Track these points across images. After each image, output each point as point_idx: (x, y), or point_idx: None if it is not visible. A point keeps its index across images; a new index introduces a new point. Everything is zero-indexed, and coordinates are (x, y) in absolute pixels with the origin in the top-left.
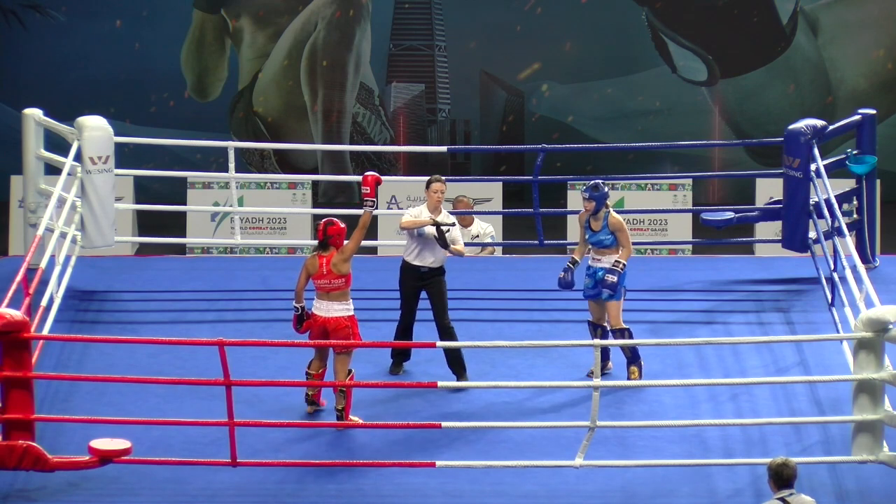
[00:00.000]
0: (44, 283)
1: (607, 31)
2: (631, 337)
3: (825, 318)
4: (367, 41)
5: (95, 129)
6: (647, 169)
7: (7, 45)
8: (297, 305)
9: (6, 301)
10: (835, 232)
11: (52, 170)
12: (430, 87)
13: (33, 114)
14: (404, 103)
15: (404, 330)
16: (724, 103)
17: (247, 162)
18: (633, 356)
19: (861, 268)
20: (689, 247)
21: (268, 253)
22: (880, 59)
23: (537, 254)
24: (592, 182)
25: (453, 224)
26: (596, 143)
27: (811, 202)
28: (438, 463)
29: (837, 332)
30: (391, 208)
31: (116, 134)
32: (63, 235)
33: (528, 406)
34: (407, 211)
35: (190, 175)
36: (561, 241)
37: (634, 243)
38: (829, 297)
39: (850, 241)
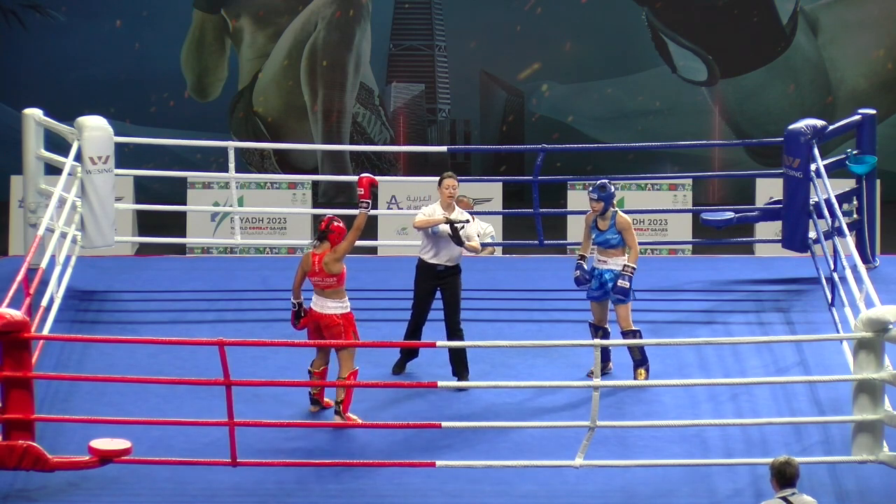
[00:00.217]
0: (44, 283)
1: (607, 31)
2: (641, 339)
3: (825, 318)
4: (367, 41)
5: (95, 129)
6: (647, 169)
7: (7, 45)
8: (294, 302)
9: (6, 301)
10: (835, 232)
11: (52, 170)
12: (430, 87)
13: (33, 114)
14: (404, 103)
15: (414, 330)
16: (724, 103)
17: (247, 162)
18: (641, 359)
19: (861, 268)
20: (689, 247)
21: (268, 253)
22: (880, 59)
23: (537, 254)
24: (599, 182)
25: (467, 221)
26: (596, 143)
27: (811, 202)
28: (438, 463)
29: (837, 332)
30: (391, 208)
31: (116, 134)
32: (63, 235)
33: (528, 406)
34: (421, 210)
35: (190, 175)
36: (561, 241)
37: None
38: (829, 297)
39: (850, 241)
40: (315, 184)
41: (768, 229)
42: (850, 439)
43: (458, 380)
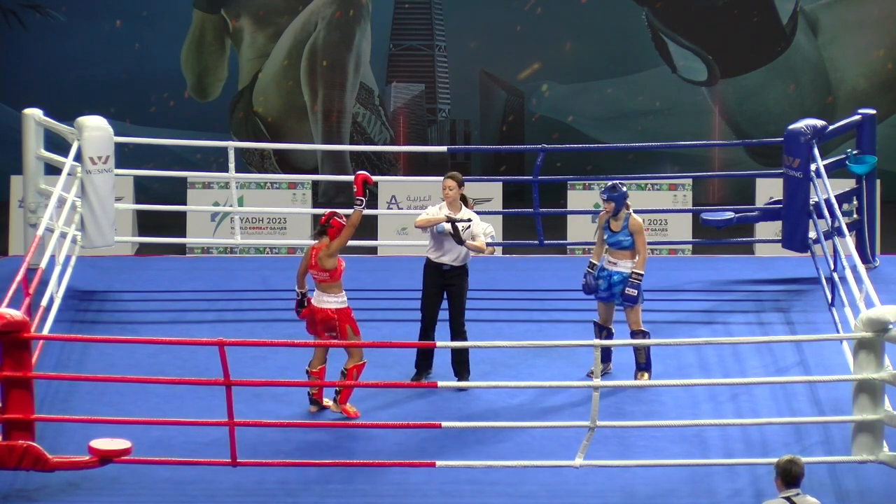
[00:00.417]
0: (44, 283)
1: (607, 31)
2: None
3: (825, 318)
4: (367, 41)
5: (95, 129)
6: (647, 169)
7: (7, 45)
8: (297, 291)
9: (6, 301)
10: (835, 232)
11: (52, 170)
12: (430, 87)
13: (33, 114)
14: (404, 103)
15: (423, 336)
16: (724, 103)
17: (247, 162)
18: (646, 363)
19: (861, 268)
20: (689, 247)
21: (268, 253)
22: (880, 59)
23: (537, 254)
24: (610, 183)
25: (469, 220)
26: (596, 143)
27: (811, 202)
28: (438, 463)
29: (837, 332)
30: (391, 208)
31: (116, 134)
32: (63, 235)
33: (528, 406)
34: (426, 210)
35: (190, 175)
36: (561, 241)
37: None
38: (829, 297)
39: (850, 241)
40: (315, 184)
41: (768, 229)
42: (850, 439)
43: (459, 380)
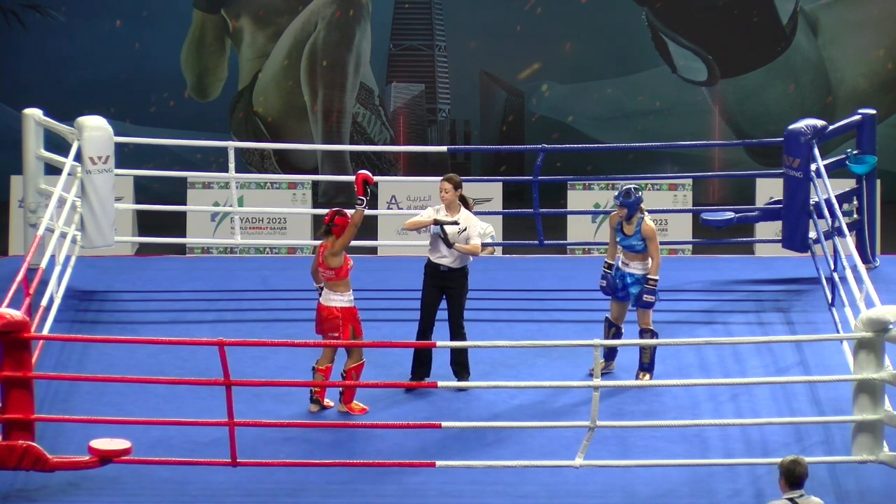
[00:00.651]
0: (44, 283)
1: (607, 31)
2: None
3: (825, 318)
4: (367, 41)
5: (95, 129)
6: (647, 169)
7: (7, 45)
8: (316, 286)
9: (6, 301)
10: (835, 232)
11: (52, 170)
12: (430, 87)
13: (33, 114)
14: (404, 103)
15: (420, 337)
16: (724, 103)
17: (247, 162)
18: (649, 364)
19: (861, 268)
20: (689, 247)
21: (268, 253)
22: (880, 59)
23: (537, 254)
24: (624, 188)
25: (456, 222)
26: (596, 143)
27: (811, 202)
28: (438, 463)
29: (837, 332)
30: (391, 208)
31: (116, 134)
32: (63, 235)
33: (528, 406)
34: (420, 211)
35: (190, 175)
36: (561, 241)
37: None
38: (829, 297)
39: (850, 241)
40: (315, 184)
41: (768, 229)
42: (850, 439)
43: (459, 381)
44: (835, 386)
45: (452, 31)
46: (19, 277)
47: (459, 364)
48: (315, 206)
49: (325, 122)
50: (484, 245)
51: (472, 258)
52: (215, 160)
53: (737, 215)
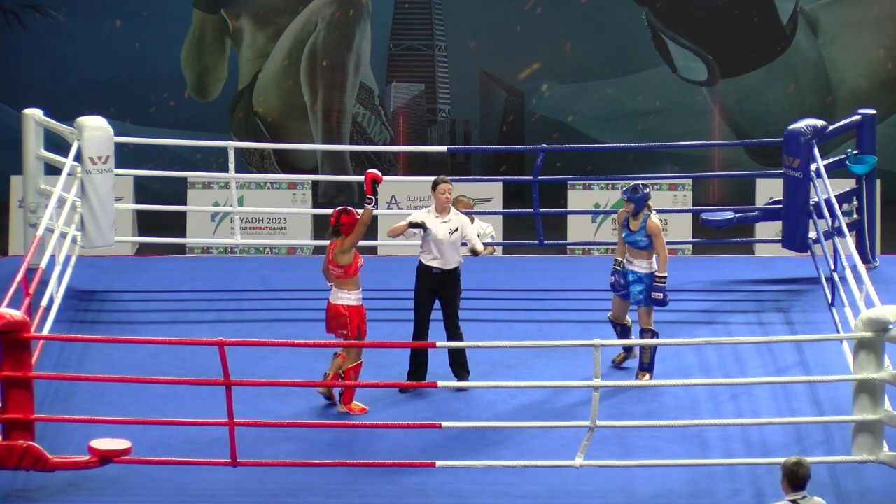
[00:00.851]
0: (44, 283)
1: (607, 31)
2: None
3: (825, 318)
4: (367, 41)
5: (95, 129)
6: (647, 169)
7: (7, 45)
8: (330, 285)
9: (6, 301)
10: (835, 232)
11: (52, 170)
12: (430, 87)
13: (33, 114)
14: (404, 103)
15: (415, 339)
16: (724, 103)
17: (247, 162)
18: (649, 364)
19: (861, 268)
20: (689, 247)
21: (268, 253)
22: (880, 59)
23: (537, 254)
24: (632, 184)
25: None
26: (596, 143)
27: (811, 202)
28: (438, 463)
29: (837, 332)
30: (391, 208)
31: (116, 134)
32: (63, 235)
33: (528, 406)
34: (412, 213)
35: (190, 175)
36: (561, 241)
37: None
38: (829, 297)
39: (850, 241)
40: (315, 184)
41: (768, 229)
42: (850, 439)
43: (458, 380)
44: (835, 386)
45: (452, 31)
46: (19, 277)
47: (458, 364)
48: (315, 206)
49: (325, 122)
50: (484, 245)
51: (463, 260)
52: (215, 160)
53: (737, 215)
